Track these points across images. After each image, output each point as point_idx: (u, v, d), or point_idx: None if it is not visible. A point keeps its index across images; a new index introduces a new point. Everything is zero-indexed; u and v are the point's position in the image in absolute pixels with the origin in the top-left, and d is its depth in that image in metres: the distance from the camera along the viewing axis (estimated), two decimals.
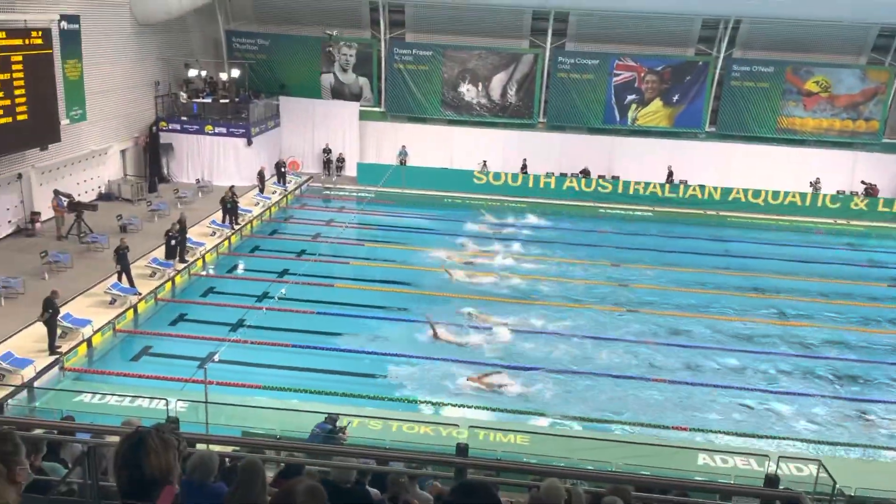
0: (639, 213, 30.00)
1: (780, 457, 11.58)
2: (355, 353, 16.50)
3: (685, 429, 14.22)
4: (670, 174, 31.22)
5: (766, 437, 14.04)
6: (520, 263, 22.88)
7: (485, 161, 32.21)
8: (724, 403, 15.23)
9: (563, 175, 31.42)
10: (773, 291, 21.93)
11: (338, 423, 11.55)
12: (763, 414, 15.03)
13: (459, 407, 14.43)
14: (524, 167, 31.63)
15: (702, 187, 30.44)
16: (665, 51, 31.92)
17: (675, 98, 32.13)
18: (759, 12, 28.79)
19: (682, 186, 30.68)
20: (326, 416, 11.72)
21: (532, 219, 28.17)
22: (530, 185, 30.96)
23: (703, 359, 17.18)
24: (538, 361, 16.44)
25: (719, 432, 14.10)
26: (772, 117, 32.07)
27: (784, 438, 14.09)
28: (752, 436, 14.00)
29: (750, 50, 31.64)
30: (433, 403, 14.75)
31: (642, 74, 32.02)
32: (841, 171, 31.30)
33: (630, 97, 32.31)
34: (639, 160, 31.46)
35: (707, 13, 30.04)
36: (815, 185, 30.97)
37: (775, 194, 30.24)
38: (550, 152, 32.01)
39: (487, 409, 14.44)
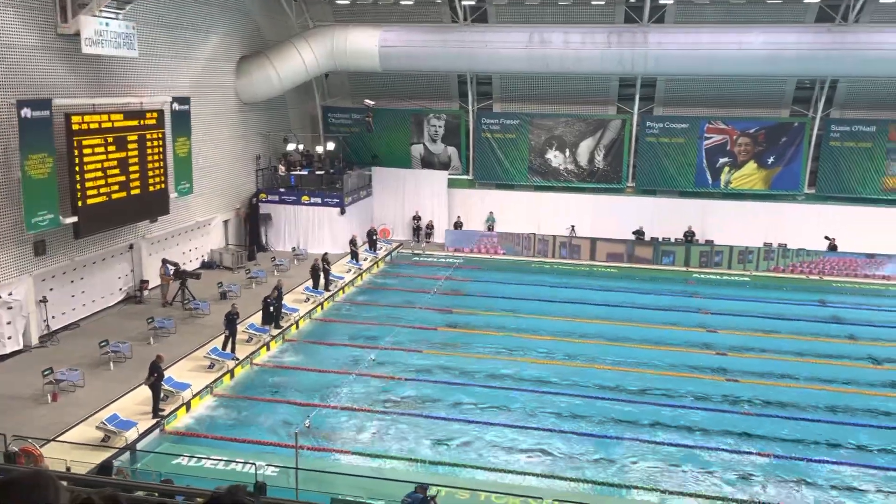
0: (735, 277, 29.10)
1: None
2: (442, 419, 16.41)
3: None
4: (691, 234, 30.99)
5: None
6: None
7: (573, 226, 32.09)
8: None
9: (666, 239, 30.98)
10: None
11: (428, 493, 11.44)
12: None
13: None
14: (640, 232, 31.46)
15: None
16: (757, 113, 31.31)
17: (771, 160, 31.29)
18: (855, 72, 27.91)
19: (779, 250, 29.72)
20: (417, 486, 11.62)
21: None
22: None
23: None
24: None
25: None
26: (876, 178, 30.67)
27: None
28: None
29: (849, 109, 30.60)
30: (514, 472, 14.37)
31: (735, 137, 31.43)
32: None
33: (722, 160, 31.70)
34: (733, 223, 30.70)
35: (801, 75, 29.37)
36: None
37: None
38: (640, 216, 31.66)
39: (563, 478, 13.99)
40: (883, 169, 30.55)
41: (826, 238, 29.63)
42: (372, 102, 30.17)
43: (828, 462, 14.82)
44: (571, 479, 14.06)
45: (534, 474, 14.23)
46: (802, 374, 19.34)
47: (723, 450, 15.29)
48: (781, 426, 16.36)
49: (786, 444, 15.57)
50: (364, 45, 29.43)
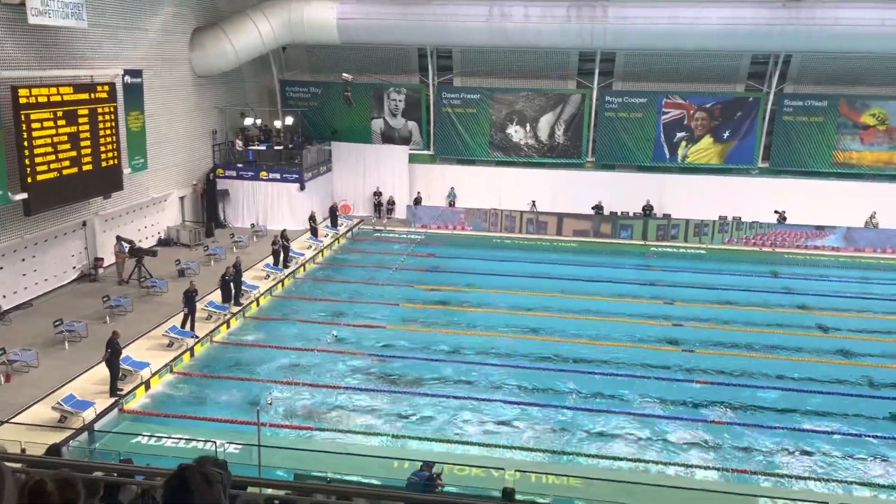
0: (691, 250, 29.66)
1: None
2: (404, 393, 16.50)
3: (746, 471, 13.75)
4: (650, 208, 31.40)
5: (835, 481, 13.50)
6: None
7: (534, 201, 32.26)
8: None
9: (624, 213, 31.35)
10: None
11: (434, 470, 11.56)
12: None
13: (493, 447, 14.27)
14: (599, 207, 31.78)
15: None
16: (714, 87, 31.70)
17: (726, 134, 31.78)
18: (809, 47, 28.40)
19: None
20: (422, 463, 11.78)
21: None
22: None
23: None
24: None
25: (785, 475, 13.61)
26: (827, 151, 31.39)
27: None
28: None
29: (802, 84, 31.18)
30: (480, 444, 14.57)
31: (691, 112, 31.82)
32: None
33: (679, 135, 32.09)
34: (690, 197, 31.16)
35: (756, 50, 29.78)
36: (872, 219, 30.13)
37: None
38: (600, 191, 31.93)
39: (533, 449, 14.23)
40: (834, 142, 31.26)
41: (776, 212, 30.33)
42: (349, 76, 29.67)
43: (780, 428, 15.29)
44: (533, 450, 14.30)
45: (496, 446, 14.43)
46: (755, 343, 19.88)
47: (678, 418, 15.68)
48: (735, 394, 16.82)
49: (739, 412, 16.03)
50: (322, 17, 28.92)
